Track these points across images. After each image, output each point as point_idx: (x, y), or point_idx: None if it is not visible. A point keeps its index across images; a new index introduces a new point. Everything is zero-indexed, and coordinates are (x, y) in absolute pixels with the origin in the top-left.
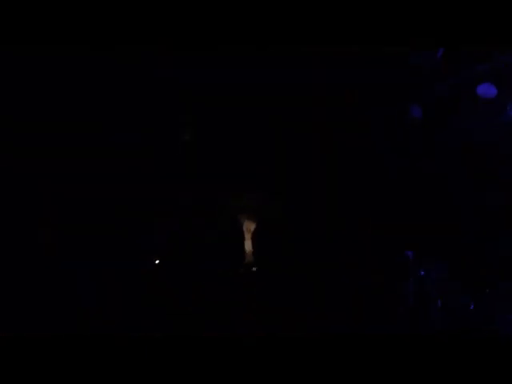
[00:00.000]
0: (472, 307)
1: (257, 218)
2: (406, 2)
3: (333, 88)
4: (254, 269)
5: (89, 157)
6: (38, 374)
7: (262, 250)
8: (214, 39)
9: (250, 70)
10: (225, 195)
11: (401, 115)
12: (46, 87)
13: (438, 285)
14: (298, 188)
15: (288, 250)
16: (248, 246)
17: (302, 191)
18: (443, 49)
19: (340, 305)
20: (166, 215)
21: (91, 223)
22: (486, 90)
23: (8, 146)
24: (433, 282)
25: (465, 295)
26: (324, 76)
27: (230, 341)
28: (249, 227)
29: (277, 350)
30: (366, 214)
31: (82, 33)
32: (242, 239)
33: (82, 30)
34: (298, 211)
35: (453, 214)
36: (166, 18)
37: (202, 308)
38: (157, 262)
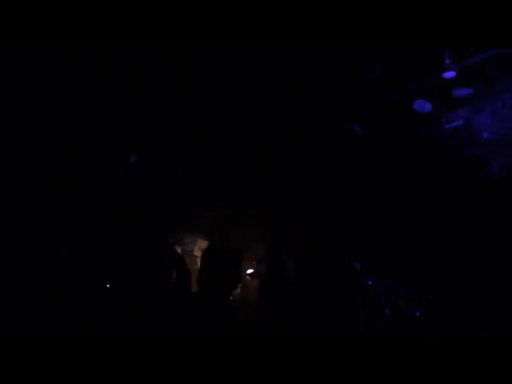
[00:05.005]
0: (417, 314)
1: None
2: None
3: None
4: None
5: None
6: (38, 374)
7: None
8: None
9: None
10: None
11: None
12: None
13: (385, 293)
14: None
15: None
16: None
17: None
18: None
19: (291, 309)
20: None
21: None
22: (421, 106)
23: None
24: (380, 290)
25: (411, 302)
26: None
27: (222, 341)
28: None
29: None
30: (318, 226)
31: (82, 33)
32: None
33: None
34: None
35: (402, 225)
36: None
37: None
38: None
